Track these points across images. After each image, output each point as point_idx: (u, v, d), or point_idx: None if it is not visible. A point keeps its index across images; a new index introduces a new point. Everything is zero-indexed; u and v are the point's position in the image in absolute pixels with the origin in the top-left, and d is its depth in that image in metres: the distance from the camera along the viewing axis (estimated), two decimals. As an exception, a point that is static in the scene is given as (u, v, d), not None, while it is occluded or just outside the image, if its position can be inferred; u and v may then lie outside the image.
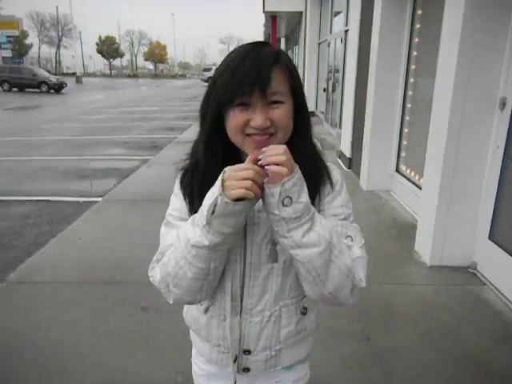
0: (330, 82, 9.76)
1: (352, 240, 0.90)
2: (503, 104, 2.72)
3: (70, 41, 64.43)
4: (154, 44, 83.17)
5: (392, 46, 4.58)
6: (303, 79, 13.27)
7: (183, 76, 75.90)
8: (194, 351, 1.16)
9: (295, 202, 0.76)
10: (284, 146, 0.76)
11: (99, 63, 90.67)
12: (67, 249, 3.55)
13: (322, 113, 11.11)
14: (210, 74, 37.25)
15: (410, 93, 4.57)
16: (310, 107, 12.05)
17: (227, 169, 0.76)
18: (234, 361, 1.00)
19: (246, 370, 1.03)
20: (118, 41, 76.74)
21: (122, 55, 79.11)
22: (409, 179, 4.51)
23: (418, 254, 3.31)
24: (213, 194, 0.76)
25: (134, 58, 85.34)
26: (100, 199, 4.87)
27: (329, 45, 10.07)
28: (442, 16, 2.99)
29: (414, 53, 4.42)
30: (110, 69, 79.15)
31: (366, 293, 2.79)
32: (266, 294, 0.96)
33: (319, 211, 0.89)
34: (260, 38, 40.62)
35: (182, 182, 0.96)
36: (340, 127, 8.27)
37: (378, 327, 2.44)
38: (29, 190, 5.35)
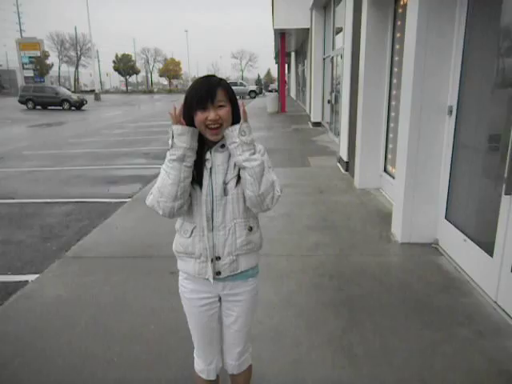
0: (333, 95, 10.55)
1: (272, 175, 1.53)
2: (450, 111, 3.47)
3: (88, 60, 66.84)
4: (169, 60, 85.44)
5: (376, 64, 5.35)
6: (310, 92, 14.08)
7: (197, 91, 77.35)
8: (180, 278, 1.70)
9: (247, 135, 1.44)
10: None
11: (115, 80, 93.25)
12: (108, 235, 4.38)
13: (328, 123, 11.88)
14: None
15: (393, 103, 5.32)
16: (317, 118, 12.86)
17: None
18: (212, 261, 1.55)
19: (218, 273, 1.56)
20: (133, 58, 79.20)
21: (137, 72, 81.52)
22: (394, 177, 5.23)
23: (393, 235, 4.04)
24: (170, 131, 1.45)
25: (149, 75, 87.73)
26: (129, 199, 5.71)
27: (332, 60, 10.89)
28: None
29: (395, 69, 5.19)
30: (127, 85, 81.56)
31: (346, 261, 3.55)
32: (225, 215, 1.53)
33: None
34: (271, 52, 41.53)
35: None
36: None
37: (350, 283, 3.18)
38: (69, 193, 6.24)
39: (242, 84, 41.67)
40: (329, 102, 11.29)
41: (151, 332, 2.64)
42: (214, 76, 1.53)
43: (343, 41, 8.72)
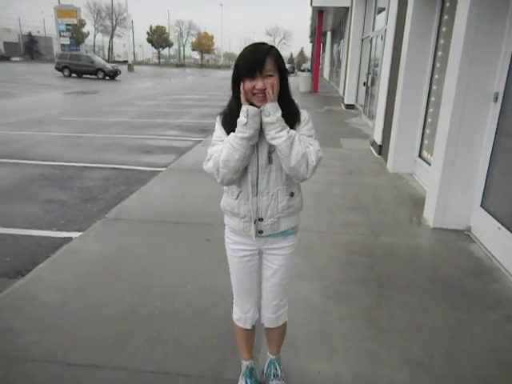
0: (370, 77, 10.37)
1: (311, 145, 1.57)
2: (496, 98, 3.41)
3: (123, 30, 67.18)
4: (202, 34, 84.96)
5: (420, 46, 5.24)
6: (345, 73, 13.85)
7: (228, 67, 77.26)
8: (226, 230, 1.82)
9: (272, 115, 1.49)
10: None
11: (147, 52, 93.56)
12: (145, 200, 4.55)
13: (362, 106, 11.71)
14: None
15: (434, 87, 5.23)
16: (351, 100, 12.68)
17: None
18: (254, 222, 1.67)
19: (260, 232, 1.69)
20: (167, 31, 79.11)
21: (170, 45, 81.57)
22: (429, 163, 5.18)
23: (425, 220, 4.06)
24: (243, 112, 1.50)
25: (181, 48, 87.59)
26: (164, 169, 5.88)
27: (371, 41, 10.65)
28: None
29: (439, 53, 5.08)
30: (159, 58, 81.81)
31: (376, 241, 3.61)
32: (269, 182, 1.63)
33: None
34: (305, 30, 40.67)
35: (223, 120, 1.64)
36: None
37: (381, 262, 3.25)
38: (106, 159, 6.47)
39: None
40: (364, 84, 11.10)
41: (189, 292, 2.79)
42: (264, 44, 1.57)
43: (386, 21, 8.51)
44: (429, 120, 5.38)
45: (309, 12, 22.06)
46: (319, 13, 18.16)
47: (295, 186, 1.71)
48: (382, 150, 6.68)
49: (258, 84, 1.50)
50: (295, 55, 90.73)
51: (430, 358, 2.20)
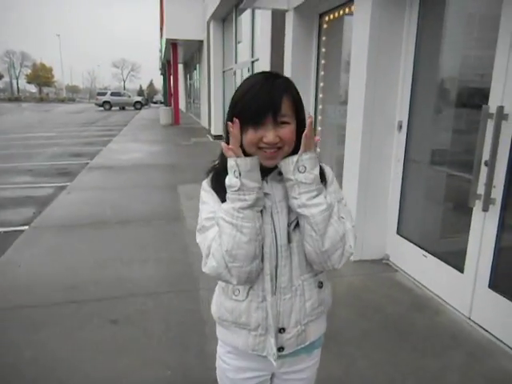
0: (238, 108, 10.43)
1: (343, 218, 1.11)
2: (400, 126, 3.48)
3: None
4: (39, 66, 77.67)
5: (303, 73, 5.29)
6: (209, 105, 13.84)
7: (72, 100, 71.90)
8: (220, 350, 1.28)
9: (308, 172, 1.03)
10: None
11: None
12: (9, 279, 3.44)
13: (231, 136, 11.71)
14: (106, 98, 35.98)
15: (319, 117, 5.31)
16: (218, 131, 12.64)
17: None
18: (274, 336, 1.13)
19: (281, 348, 1.16)
20: (-6, 62, 70.19)
21: (0, 77, 72.39)
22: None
23: (342, 253, 3.92)
24: (232, 169, 1.01)
25: (14, 81, 78.50)
26: (25, 228, 4.70)
27: (235, 73, 10.79)
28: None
29: (321, 84, 5.18)
30: (-15, 92, 71.76)
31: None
32: (292, 270, 1.13)
33: None
34: (156, 63, 40.40)
35: (213, 183, 1.16)
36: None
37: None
38: None
39: (125, 94, 39.61)
40: (233, 115, 11.14)
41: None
42: (277, 75, 1.09)
43: (251, 54, 8.67)
44: (317, 150, 5.42)
45: (157, 44, 21.88)
46: (173, 45, 18.02)
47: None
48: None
49: (269, 136, 1.03)
50: (144, 87, 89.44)
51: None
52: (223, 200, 1.09)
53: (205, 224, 1.12)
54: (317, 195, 1.05)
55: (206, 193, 1.15)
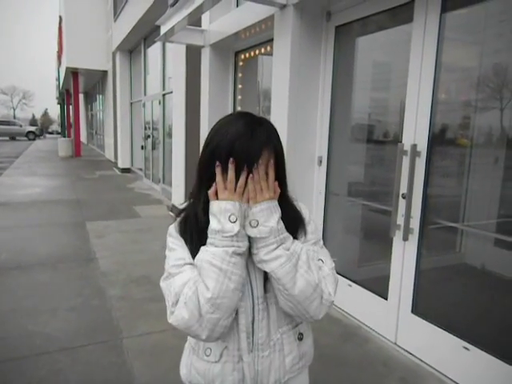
0: (149, 141, 10.14)
1: (323, 262, 1.09)
2: (320, 161, 3.64)
3: None
4: None
5: (219, 111, 5.33)
6: (116, 137, 13.28)
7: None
8: None
9: (261, 225, 0.97)
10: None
11: None
12: None
13: (140, 169, 11.30)
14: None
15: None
16: (126, 164, 12.14)
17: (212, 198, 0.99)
18: None
19: None
20: None
21: None
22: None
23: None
24: (226, 211, 0.95)
25: None
26: None
27: (144, 105, 10.53)
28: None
29: (238, 108, 5.27)
30: None
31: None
32: (269, 324, 1.06)
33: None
34: (53, 92, 37.99)
35: (182, 232, 1.07)
36: (164, 182, 8.67)
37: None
38: None
39: (16, 123, 36.32)
40: (142, 147, 10.79)
41: None
42: (260, 121, 1.04)
43: (162, 86, 8.57)
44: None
45: (53, 72, 20.59)
46: (73, 74, 17.13)
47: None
48: (186, 215, 6.39)
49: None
50: (38, 116, 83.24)
51: None
52: (192, 247, 1.01)
53: (171, 271, 1.03)
54: (276, 247, 0.98)
55: (174, 239, 1.07)
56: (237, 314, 1.02)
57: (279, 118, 3.62)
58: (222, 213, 0.96)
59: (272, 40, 3.73)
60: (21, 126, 36.20)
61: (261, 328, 1.05)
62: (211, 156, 1.00)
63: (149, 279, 4.05)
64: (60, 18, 18.71)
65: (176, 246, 1.05)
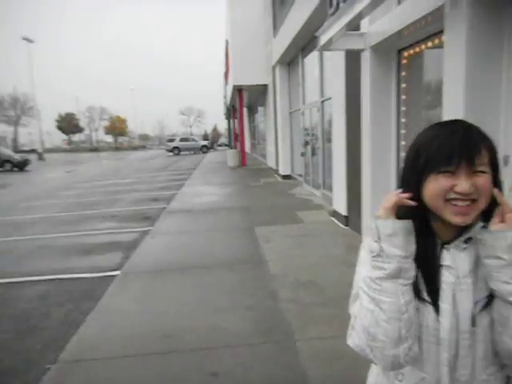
0: (309, 147, 10.43)
1: None
2: (506, 161, 3.20)
3: (28, 119, 64.41)
4: (115, 118, 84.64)
5: (383, 105, 5.15)
6: (276, 146, 14.03)
7: (143, 147, 76.94)
8: None
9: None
10: None
11: (56, 139, 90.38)
12: (107, 325, 3.53)
13: (300, 175, 11.69)
14: (175, 144, 38.10)
15: (402, 143, 5.10)
16: (287, 171, 12.68)
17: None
18: None
19: None
20: (77, 117, 77.73)
21: (81, 130, 79.80)
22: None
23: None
24: (373, 230, 0.92)
25: (94, 133, 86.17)
26: (116, 273, 4.87)
27: (303, 114, 10.89)
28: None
29: (403, 108, 5.01)
30: (69, 144, 79.12)
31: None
32: (475, 362, 0.95)
33: None
34: (221, 108, 42.47)
35: None
36: (324, 188, 8.78)
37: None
38: (38, 269, 5.27)
39: (193, 139, 41.63)
40: (302, 154, 11.16)
41: None
42: (466, 122, 0.96)
43: (321, 93, 8.71)
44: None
45: (220, 90, 22.93)
46: (239, 91, 18.75)
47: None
48: (348, 221, 6.34)
49: (463, 184, 0.88)
50: (209, 131, 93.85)
51: None
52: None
53: (357, 291, 1.00)
54: None
55: (366, 254, 1.00)
56: (438, 345, 0.95)
57: (452, 114, 3.32)
58: (370, 231, 0.93)
59: (440, 32, 3.46)
60: (196, 141, 41.34)
61: (464, 365, 0.95)
62: (414, 161, 0.96)
63: (315, 284, 4.15)
64: (226, 41, 20.74)
65: (366, 262, 1.00)
